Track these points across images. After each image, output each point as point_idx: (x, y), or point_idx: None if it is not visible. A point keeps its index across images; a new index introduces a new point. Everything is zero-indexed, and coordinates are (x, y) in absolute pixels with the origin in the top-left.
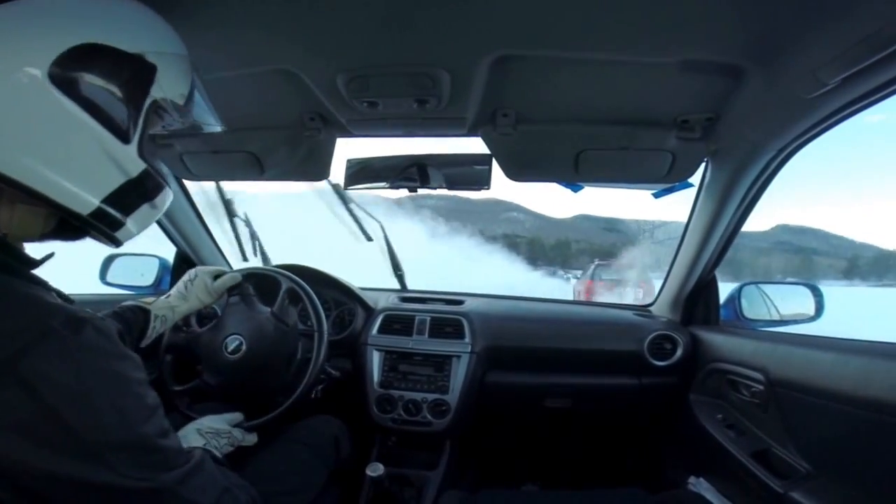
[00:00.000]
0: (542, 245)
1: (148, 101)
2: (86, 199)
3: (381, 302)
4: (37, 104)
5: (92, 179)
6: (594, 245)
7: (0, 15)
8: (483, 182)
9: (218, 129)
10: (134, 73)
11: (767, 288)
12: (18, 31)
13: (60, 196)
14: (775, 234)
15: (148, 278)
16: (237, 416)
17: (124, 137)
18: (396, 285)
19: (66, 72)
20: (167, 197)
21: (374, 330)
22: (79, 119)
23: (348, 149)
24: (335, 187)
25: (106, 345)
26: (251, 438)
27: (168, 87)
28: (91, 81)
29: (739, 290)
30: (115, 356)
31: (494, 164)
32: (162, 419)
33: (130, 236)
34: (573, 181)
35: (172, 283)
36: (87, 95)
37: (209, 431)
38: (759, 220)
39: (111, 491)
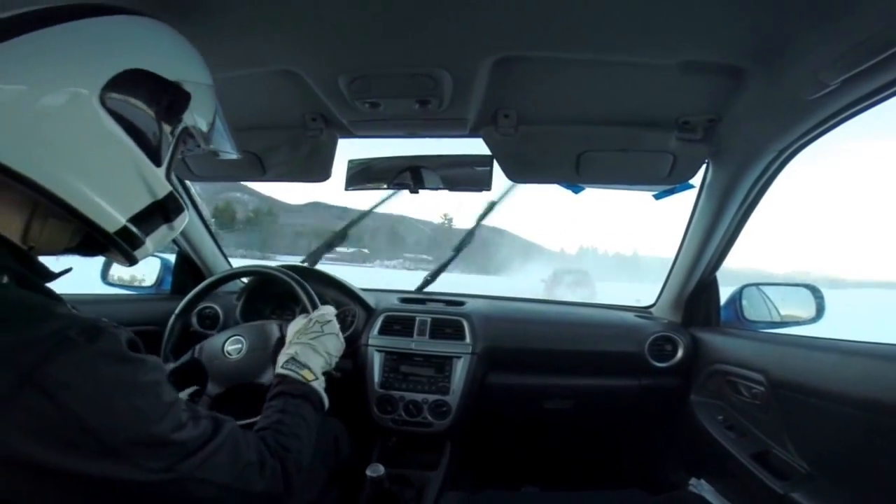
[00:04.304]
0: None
1: (180, 127)
2: (115, 217)
3: (382, 303)
4: (85, 125)
5: (123, 198)
6: (318, 230)
7: (55, 36)
8: (484, 183)
9: (234, 156)
10: (172, 99)
11: (768, 289)
12: (72, 52)
13: (92, 212)
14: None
15: (149, 279)
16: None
17: (157, 160)
18: None
19: (114, 95)
20: (184, 220)
21: (375, 331)
22: (121, 140)
23: (350, 149)
24: None
25: (120, 351)
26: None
27: (198, 114)
28: (135, 105)
29: (740, 291)
30: (129, 361)
31: (495, 165)
32: (179, 412)
33: (147, 255)
34: (574, 182)
35: (174, 284)
36: (130, 118)
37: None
38: (461, 220)
39: (134, 486)
